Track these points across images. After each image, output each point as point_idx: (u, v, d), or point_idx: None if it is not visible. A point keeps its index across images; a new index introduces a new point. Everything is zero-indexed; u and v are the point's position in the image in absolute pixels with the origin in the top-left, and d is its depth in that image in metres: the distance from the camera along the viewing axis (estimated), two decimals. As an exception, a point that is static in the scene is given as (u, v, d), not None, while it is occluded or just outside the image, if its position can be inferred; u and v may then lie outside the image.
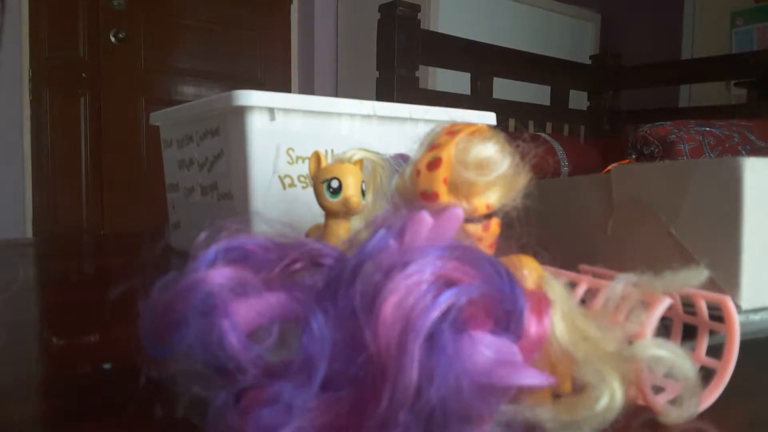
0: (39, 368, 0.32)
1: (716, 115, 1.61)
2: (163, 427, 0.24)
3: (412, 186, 0.28)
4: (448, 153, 0.26)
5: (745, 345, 0.35)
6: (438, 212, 0.23)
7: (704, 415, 0.26)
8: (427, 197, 0.27)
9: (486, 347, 0.20)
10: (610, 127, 1.89)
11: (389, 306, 0.19)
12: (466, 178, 0.26)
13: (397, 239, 0.22)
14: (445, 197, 0.26)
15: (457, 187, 0.26)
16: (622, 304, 0.25)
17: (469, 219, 0.27)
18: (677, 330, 0.29)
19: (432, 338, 0.19)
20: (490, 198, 0.27)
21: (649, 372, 0.22)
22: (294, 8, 2.74)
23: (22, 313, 0.43)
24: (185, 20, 2.47)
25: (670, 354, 0.21)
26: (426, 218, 0.22)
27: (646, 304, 0.24)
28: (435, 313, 0.19)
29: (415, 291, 0.19)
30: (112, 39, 2.30)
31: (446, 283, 0.20)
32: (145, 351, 0.23)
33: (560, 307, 0.21)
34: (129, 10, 2.32)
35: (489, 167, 0.26)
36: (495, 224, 0.28)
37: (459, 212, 0.24)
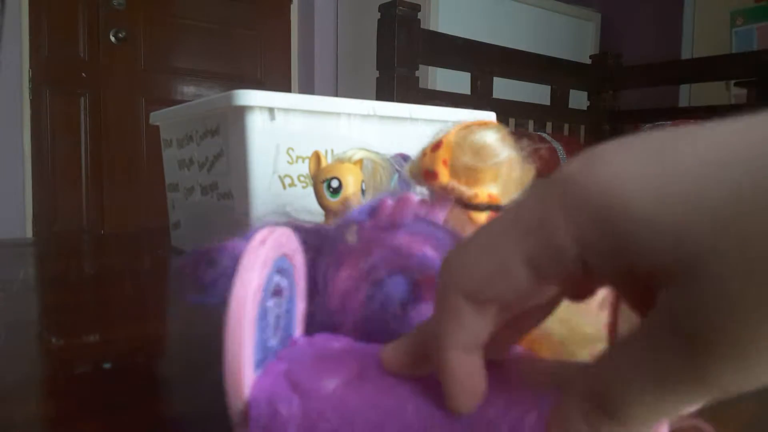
0: (39, 368, 0.32)
1: (716, 115, 1.61)
2: (163, 427, 0.24)
3: (419, 164, 0.30)
4: (449, 136, 0.28)
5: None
6: (398, 197, 0.27)
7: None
8: (429, 176, 0.28)
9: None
10: (610, 127, 1.89)
11: (340, 280, 0.25)
12: (464, 162, 0.28)
13: (369, 216, 0.27)
14: (444, 177, 0.28)
15: (458, 173, 0.28)
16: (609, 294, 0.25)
17: (470, 205, 0.29)
18: None
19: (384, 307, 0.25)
20: (493, 189, 0.28)
21: None
22: (294, 8, 2.74)
23: (22, 313, 0.43)
24: (185, 20, 2.47)
25: None
26: (387, 201, 0.26)
27: None
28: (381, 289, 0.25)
29: (365, 265, 0.25)
30: (112, 39, 2.30)
31: (400, 255, 0.25)
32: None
33: None
34: (129, 10, 2.32)
35: (487, 154, 0.28)
36: None
37: (413, 196, 0.26)
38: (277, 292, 0.22)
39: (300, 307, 0.25)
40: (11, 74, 2.08)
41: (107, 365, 0.31)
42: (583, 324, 0.22)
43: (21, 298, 0.48)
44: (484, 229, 0.17)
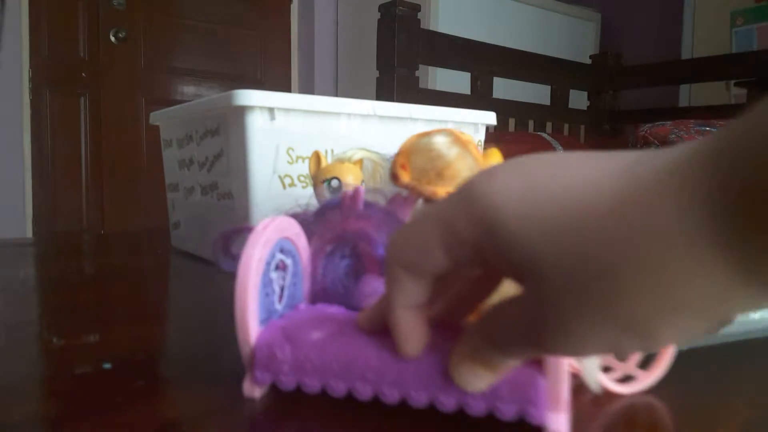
0: (39, 368, 0.32)
1: (716, 115, 1.61)
2: (163, 427, 0.24)
3: (390, 169, 0.36)
4: (405, 143, 0.34)
5: (745, 345, 0.35)
6: (354, 191, 0.34)
7: (704, 415, 0.26)
8: (393, 178, 0.34)
9: (367, 286, 0.32)
10: (610, 127, 1.89)
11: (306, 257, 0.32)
12: (419, 165, 0.33)
13: (339, 204, 0.35)
14: (404, 178, 0.33)
15: (419, 175, 0.33)
16: None
17: (432, 201, 0.34)
18: None
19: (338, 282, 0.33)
20: (451, 187, 0.33)
21: None
22: (294, 8, 2.74)
23: (22, 313, 0.43)
24: (185, 20, 2.47)
25: None
26: (347, 193, 0.34)
27: None
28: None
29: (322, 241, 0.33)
30: (112, 39, 2.30)
31: (346, 234, 0.33)
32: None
33: None
34: (129, 10, 2.32)
35: (434, 156, 0.32)
36: None
37: (360, 189, 0.34)
38: (280, 267, 0.28)
39: (306, 282, 0.31)
40: (11, 74, 2.08)
41: (107, 365, 0.31)
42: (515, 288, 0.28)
43: (21, 298, 0.48)
44: (417, 218, 0.22)
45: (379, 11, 1.37)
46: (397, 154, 0.34)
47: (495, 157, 0.37)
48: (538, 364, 0.23)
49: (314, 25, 2.67)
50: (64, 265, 0.68)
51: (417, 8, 1.37)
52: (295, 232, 0.29)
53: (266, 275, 0.27)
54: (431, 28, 2.15)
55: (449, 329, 0.25)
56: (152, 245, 0.85)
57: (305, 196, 0.58)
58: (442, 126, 0.68)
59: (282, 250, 0.28)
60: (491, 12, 2.47)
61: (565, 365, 0.23)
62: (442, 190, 0.33)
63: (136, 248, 0.85)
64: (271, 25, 2.68)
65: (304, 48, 2.73)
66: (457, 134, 0.33)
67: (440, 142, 0.32)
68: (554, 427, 0.23)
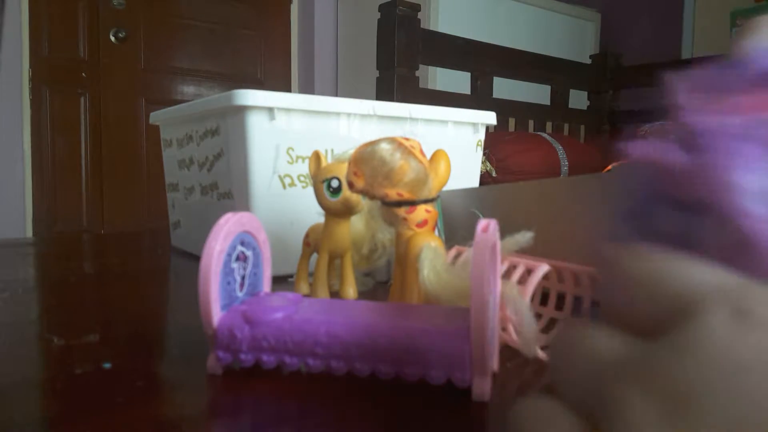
0: (39, 368, 0.32)
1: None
2: (163, 427, 0.24)
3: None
4: (354, 153, 0.36)
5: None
6: None
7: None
8: (349, 185, 0.37)
9: None
10: (610, 127, 1.89)
11: None
12: (368, 171, 0.35)
13: None
14: (358, 184, 0.36)
15: (371, 181, 0.36)
16: (512, 271, 0.34)
17: (386, 202, 0.37)
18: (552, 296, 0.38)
19: None
20: (401, 189, 0.36)
21: (513, 315, 0.30)
22: (294, 8, 2.74)
23: (22, 313, 0.43)
24: (185, 20, 2.47)
25: (511, 293, 0.29)
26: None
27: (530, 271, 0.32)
28: None
29: None
30: (112, 39, 2.30)
31: None
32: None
33: (430, 261, 0.33)
34: (129, 10, 2.32)
35: (380, 163, 0.35)
36: (421, 209, 0.37)
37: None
38: (241, 258, 0.31)
39: (267, 271, 0.34)
40: (11, 74, 2.08)
41: (107, 365, 0.31)
42: (460, 279, 0.30)
43: (21, 298, 0.48)
44: None
45: (379, 11, 1.37)
46: (349, 164, 0.37)
47: (441, 158, 0.38)
48: (464, 335, 0.25)
49: (314, 25, 2.67)
50: (64, 265, 0.68)
51: (417, 8, 1.37)
52: (255, 225, 0.32)
53: (227, 265, 0.30)
54: (431, 28, 2.15)
55: (388, 309, 0.29)
56: (152, 245, 0.85)
57: (305, 196, 0.58)
58: (442, 126, 0.68)
59: (242, 243, 0.31)
60: (491, 12, 2.47)
61: (487, 336, 0.25)
62: (393, 192, 0.36)
63: (136, 248, 0.85)
64: (271, 25, 2.68)
65: (304, 48, 2.73)
66: (399, 140, 0.35)
67: (383, 149, 0.35)
68: (478, 390, 0.25)
